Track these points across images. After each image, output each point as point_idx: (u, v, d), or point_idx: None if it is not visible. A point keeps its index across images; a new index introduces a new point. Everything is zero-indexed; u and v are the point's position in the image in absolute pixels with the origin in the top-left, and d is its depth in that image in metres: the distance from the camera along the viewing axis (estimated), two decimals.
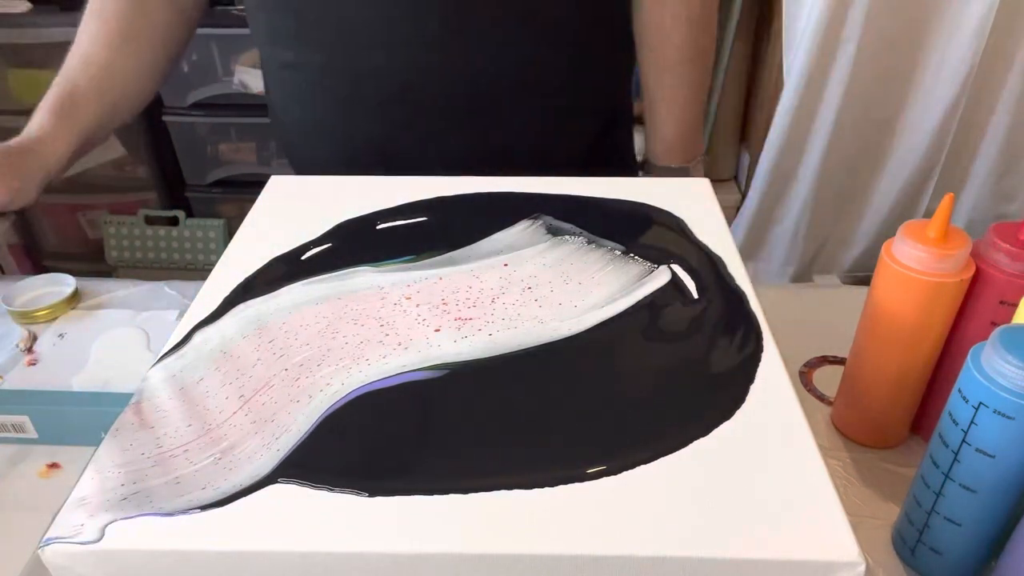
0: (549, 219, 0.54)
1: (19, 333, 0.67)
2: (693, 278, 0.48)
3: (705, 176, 0.62)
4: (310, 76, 0.70)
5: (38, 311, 0.69)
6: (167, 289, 0.74)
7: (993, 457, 0.40)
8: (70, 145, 0.67)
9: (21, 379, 0.62)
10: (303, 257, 0.51)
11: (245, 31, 1.58)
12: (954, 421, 0.41)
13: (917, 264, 0.46)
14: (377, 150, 0.72)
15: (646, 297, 0.46)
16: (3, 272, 1.64)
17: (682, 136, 0.70)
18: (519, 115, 0.71)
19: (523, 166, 0.71)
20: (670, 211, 0.55)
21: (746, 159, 1.82)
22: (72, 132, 0.67)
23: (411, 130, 0.70)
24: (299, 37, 0.68)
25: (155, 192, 1.74)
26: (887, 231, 1.60)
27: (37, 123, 0.66)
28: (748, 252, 1.70)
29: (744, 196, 1.71)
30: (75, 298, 0.72)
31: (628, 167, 0.82)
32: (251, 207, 0.57)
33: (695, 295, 0.47)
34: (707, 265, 0.49)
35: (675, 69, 0.67)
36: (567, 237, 0.52)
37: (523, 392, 0.40)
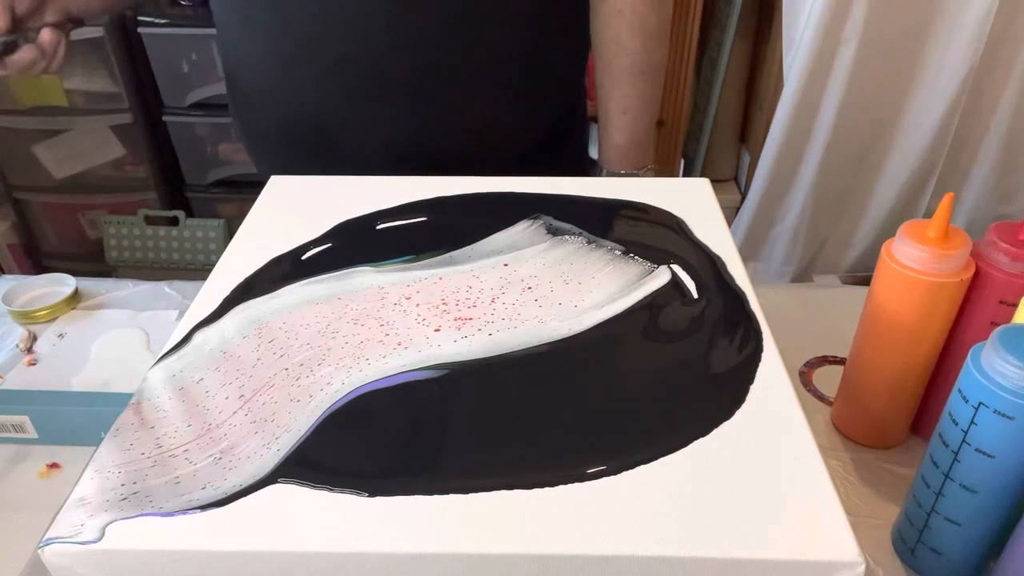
0: (549, 219, 0.54)
1: (19, 333, 0.67)
2: (693, 278, 0.48)
3: (706, 177, 0.62)
4: (258, 37, 0.68)
5: (38, 311, 0.69)
6: (167, 289, 0.74)
7: (993, 457, 0.40)
8: None
9: (21, 379, 0.63)
10: (303, 257, 0.51)
11: None
12: (954, 421, 0.41)
13: (917, 264, 0.46)
14: (316, 124, 0.70)
15: (646, 297, 0.46)
16: (3, 272, 1.64)
17: (633, 144, 0.71)
18: (467, 98, 0.69)
19: (468, 154, 0.67)
20: (670, 211, 0.55)
21: (746, 159, 1.82)
22: None
23: (349, 105, 0.68)
24: None
25: (155, 192, 1.75)
26: (887, 231, 1.60)
27: None
28: (748, 252, 1.70)
29: (744, 196, 1.71)
30: (75, 298, 0.72)
31: (582, 163, 0.81)
32: (251, 207, 0.57)
33: (695, 295, 0.47)
34: (707, 265, 0.49)
35: (629, 80, 0.68)
36: (567, 237, 0.52)
37: (523, 392, 0.40)
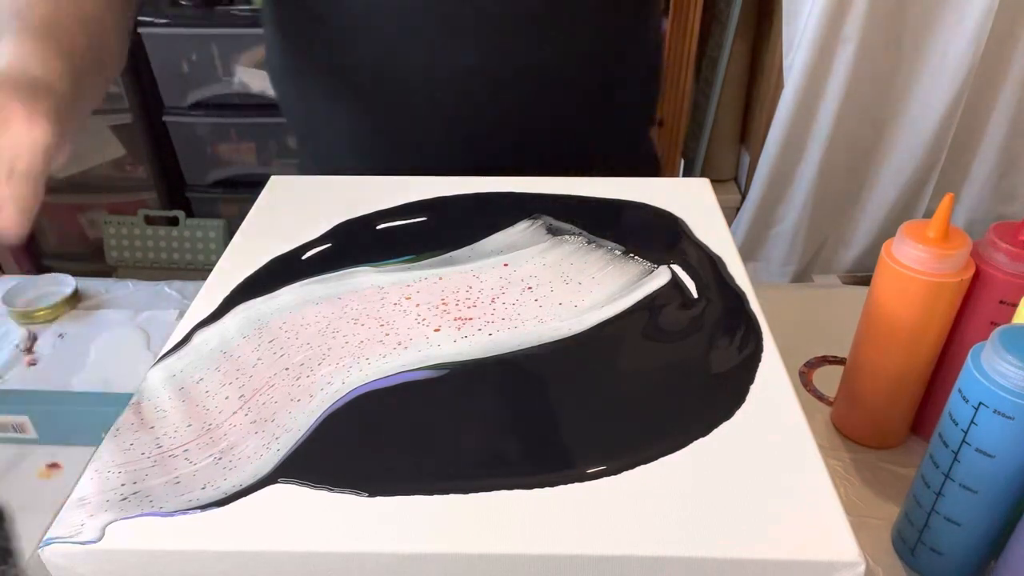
0: (549, 219, 0.54)
1: (19, 333, 0.67)
2: (693, 278, 0.48)
3: (706, 177, 0.62)
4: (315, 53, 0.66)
5: (38, 311, 0.69)
6: (167, 289, 0.74)
7: (993, 457, 0.40)
8: (64, 72, 0.44)
9: (21, 379, 0.63)
10: (303, 257, 0.51)
11: (245, 31, 1.58)
12: (954, 421, 0.41)
13: (917, 264, 0.46)
14: (377, 136, 0.69)
15: (646, 297, 0.46)
16: (3, 272, 1.64)
17: None
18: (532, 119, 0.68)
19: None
20: (670, 211, 0.55)
21: (746, 159, 1.82)
22: (61, 56, 0.45)
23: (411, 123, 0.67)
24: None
25: (155, 192, 1.75)
26: (887, 231, 1.60)
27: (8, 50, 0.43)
28: (748, 252, 1.70)
29: (744, 196, 1.71)
30: (75, 298, 0.72)
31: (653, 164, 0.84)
32: (251, 207, 0.57)
33: (695, 295, 0.47)
34: (707, 265, 0.49)
35: None
36: (567, 237, 0.52)
37: (523, 392, 0.40)
